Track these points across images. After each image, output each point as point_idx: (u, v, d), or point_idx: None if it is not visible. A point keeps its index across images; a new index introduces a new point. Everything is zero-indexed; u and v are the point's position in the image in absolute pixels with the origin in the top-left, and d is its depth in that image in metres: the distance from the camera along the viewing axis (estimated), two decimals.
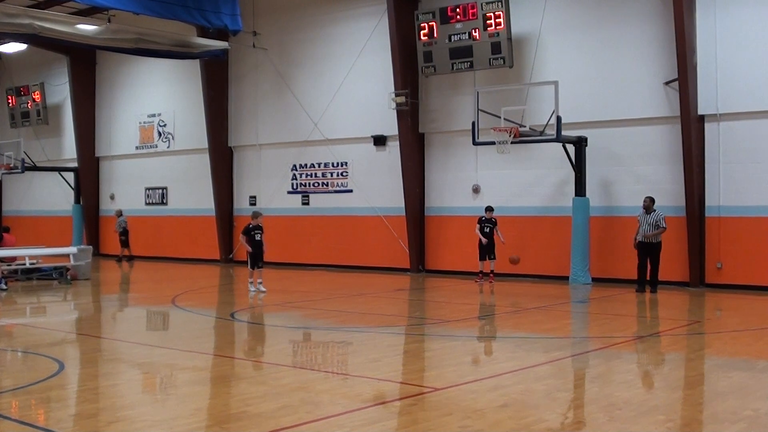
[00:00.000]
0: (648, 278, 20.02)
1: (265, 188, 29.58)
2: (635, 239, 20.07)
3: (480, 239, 22.30)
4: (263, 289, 20.69)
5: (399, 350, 13.42)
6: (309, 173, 28.27)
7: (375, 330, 14.98)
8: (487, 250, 22.38)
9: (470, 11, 23.28)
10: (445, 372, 11.15)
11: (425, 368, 11.80)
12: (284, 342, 14.25)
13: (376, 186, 26.51)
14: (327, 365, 12.10)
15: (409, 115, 25.01)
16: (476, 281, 22.55)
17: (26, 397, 9.97)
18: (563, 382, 10.71)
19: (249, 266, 21.16)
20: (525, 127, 21.13)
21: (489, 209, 22.47)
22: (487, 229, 22.26)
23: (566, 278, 22.27)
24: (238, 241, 30.06)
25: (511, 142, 21.11)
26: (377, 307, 18.52)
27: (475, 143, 22.12)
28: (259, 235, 20.87)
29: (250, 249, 20.72)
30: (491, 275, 22.48)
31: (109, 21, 23.94)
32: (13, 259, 24.35)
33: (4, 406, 9.55)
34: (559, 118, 20.47)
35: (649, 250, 19.85)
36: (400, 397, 9.80)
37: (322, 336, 14.70)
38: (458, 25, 23.55)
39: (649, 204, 19.88)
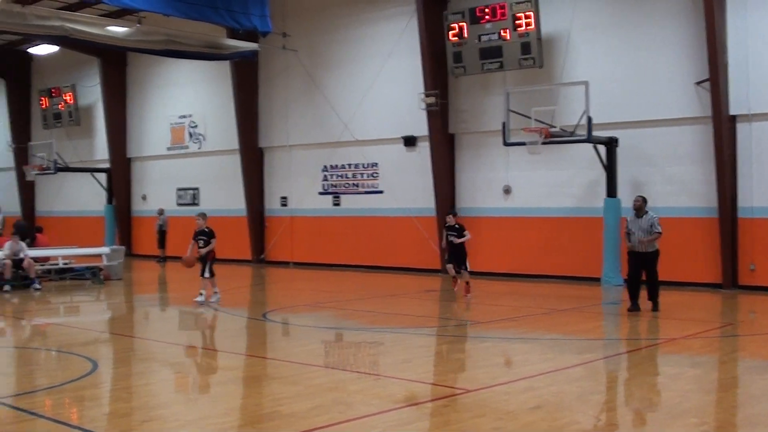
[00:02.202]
0: (648, 293, 17.04)
1: (296, 189, 29.64)
2: (630, 246, 17.01)
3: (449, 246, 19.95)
4: (200, 299, 18.59)
5: (431, 351, 13.43)
6: (339, 174, 28.31)
7: (406, 331, 14.98)
8: (454, 259, 19.84)
9: (500, 11, 23.21)
10: (478, 373, 11.14)
11: (457, 369, 11.81)
12: (316, 342, 14.28)
13: (407, 187, 26.48)
14: (359, 366, 12.11)
15: (439, 115, 24.98)
16: (465, 296, 19.73)
17: (60, 395, 10.07)
18: (596, 384, 10.68)
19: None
20: (555, 127, 21.05)
21: (451, 214, 20.39)
22: (451, 238, 19.61)
23: (598, 279, 22.15)
24: (270, 242, 30.24)
25: (542, 143, 21.04)
26: (408, 308, 18.53)
27: (505, 144, 22.05)
28: (202, 242, 18.81)
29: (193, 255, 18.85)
30: (467, 285, 19.83)
31: (140, 23, 24.08)
32: (46, 259, 24.57)
33: (39, 405, 9.66)
34: (589, 119, 20.38)
35: (643, 260, 16.80)
36: (432, 399, 9.81)
37: (354, 336, 14.72)
38: (488, 26, 23.48)
39: (641, 205, 16.97)
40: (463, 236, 19.55)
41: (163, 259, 32.07)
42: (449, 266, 20.01)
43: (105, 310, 20.24)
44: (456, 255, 19.70)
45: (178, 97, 33.78)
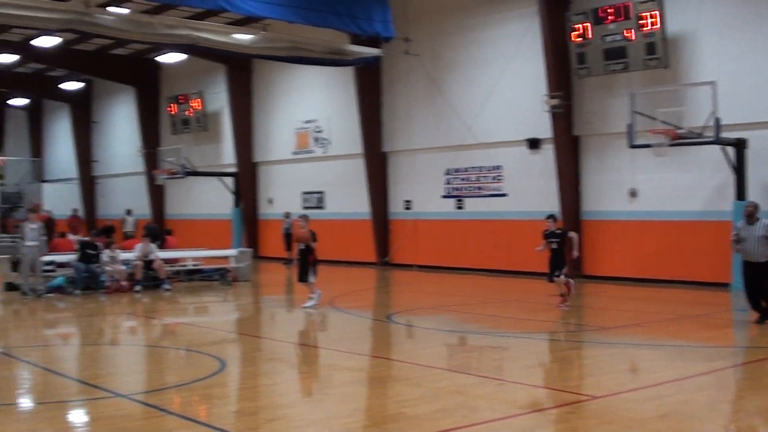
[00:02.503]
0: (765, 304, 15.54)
1: (420, 192, 29.70)
2: (743, 253, 15.65)
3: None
4: (311, 304, 18.55)
5: (555, 357, 13.32)
6: (463, 177, 28.24)
7: (530, 336, 14.89)
8: (553, 266, 18.01)
9: (624, 11, 22.83)
10: (603, 380, 10.99)
11: (582, 376, 11.68)
12: (440, 345, 14.28)
13: (530, 190, 26.23)
14: (482, 370, 12.09)
15: (563, 117, 24.72)
16: (559, 306, 18.07)
17: (189, 393, 10.35)
18: (725, 393, 10.43)
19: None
20: (682, 129, 20.58)
21: (550, 218, 18.49)
22: (554, 245, 17.96)
23: (726, 285, 21.54)
24: (394, 245, 30.38)
25: (669, 145, 20.62)
26: (532, 312, 18.35)
27: (631, 146, 21.67)
28: (303, 245, 18.78)
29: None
30: (563, 297, 18.08)
31: (264, 30, 24.49)
32: (175, 260, 25.25)
33: (168, 402, 9.95)
34: (717, 120, 19.86)
35: (759, 270, 15.34)
36: (556, 405, 9.73)
37: (477, 340, 14.69)
38: (611, 26, 23.08)
39: (753, 211, 15.46)
40: (568, 239, 18.08)
41: (289, 262, 32.50)
42: (557, 279, 17.90)
43: (232, 310, 20.66)
44: (555, 261, 17.89)
45: (303, 103, 34.24)
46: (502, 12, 26.75)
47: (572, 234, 18.46)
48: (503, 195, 26.97)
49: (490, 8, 27.06)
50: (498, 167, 27.13)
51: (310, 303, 18.54)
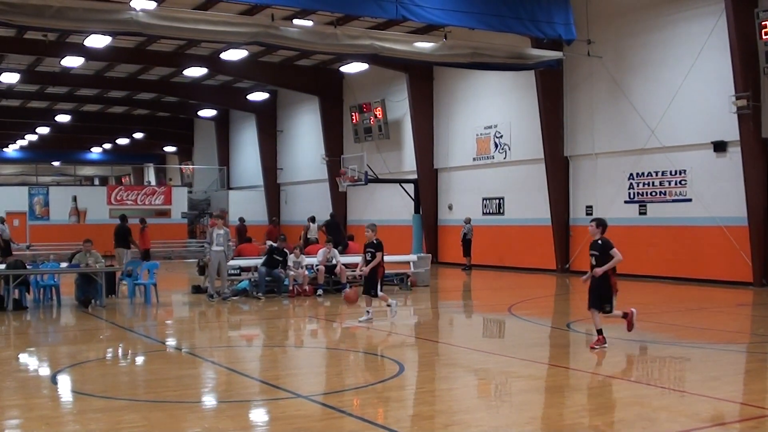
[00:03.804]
0: None
1: (602, 197, 29.17)
2: None
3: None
4: (366, 318, 17.47)
5: (740, 369, 12.82)
6: (646, 182, 27.56)
7: (715, 347, 14.42)
8: (595, 293, 13.86)
9: None
10: None
11: None
12: (620, 355, 13.96)
13: (716, 195, 25.34)
14: (664, 381, 11.76)
15: (751, 119, 23.76)
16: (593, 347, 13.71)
17: (367, 395, 10.53)
18: None
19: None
20: None
21: (595, 222, 13.98)
22: (593, 260, 13.72)
23: None
24: (574, 251, 29.95)
25: None
26: (717, 322, 17.78)
27: None
28: (369, 255, 17.51)
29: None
30: (599, 337, 13.76)
31: (445, 37, 24.61)
32: (357, 265, 25.60)
33: (346, 404, 10.12)
34: None
35: None
36: (740, 419, 9.35)
37: (659, 350, 14.29)
38: None
39: None
40: (610, 257, 13.60)
41: (468, 268, 32.58)
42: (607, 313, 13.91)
43: (411, 315, 20.78)
44: (595, 285, 13.85)
45: (484, 108, 34.23)
46: (686, 10, 25.99)
47: (615, 251, 13.60)
48: (687, 200, 26.16)
49: (674, 7, 26.34)
50: (682, 171, 26.34)
51: (365, 317, 17.49)
